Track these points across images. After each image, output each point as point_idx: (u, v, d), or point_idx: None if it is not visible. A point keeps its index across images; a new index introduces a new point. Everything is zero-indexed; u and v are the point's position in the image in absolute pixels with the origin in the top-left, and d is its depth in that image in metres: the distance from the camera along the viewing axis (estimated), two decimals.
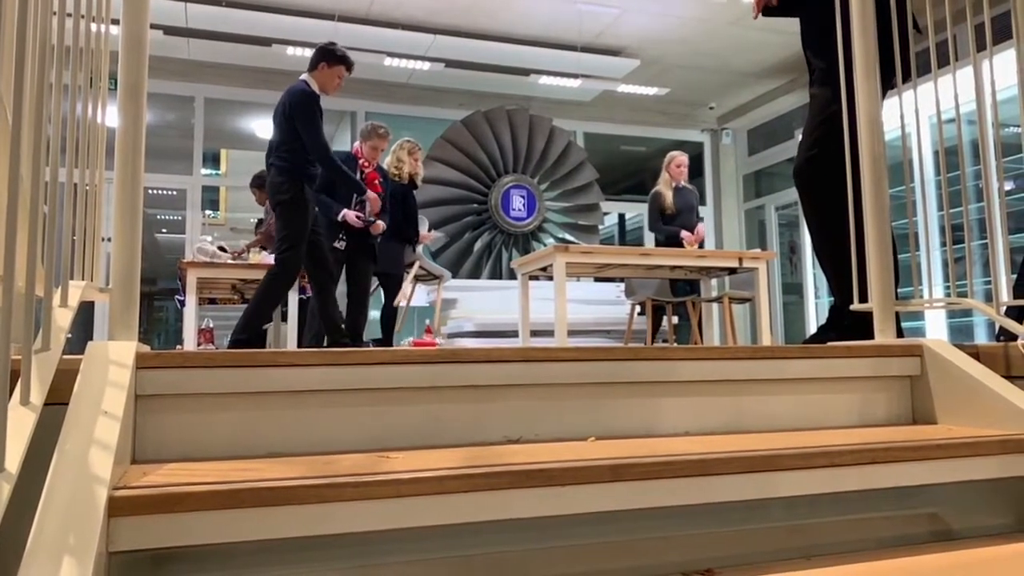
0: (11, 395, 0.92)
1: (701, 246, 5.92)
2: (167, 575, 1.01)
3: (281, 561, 1.05)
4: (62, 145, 1.29)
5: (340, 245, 4.79)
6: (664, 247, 5.76)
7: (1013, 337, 1.73)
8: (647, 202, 6.04)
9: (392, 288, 5.38)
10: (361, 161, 4.94)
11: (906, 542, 1.31)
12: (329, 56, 4.28)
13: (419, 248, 5.58)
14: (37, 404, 0.95)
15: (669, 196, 5.90)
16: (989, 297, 1.83)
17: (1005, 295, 1.80)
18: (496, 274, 8.01)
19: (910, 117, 1.99)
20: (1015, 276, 2.90)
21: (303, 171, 4.13)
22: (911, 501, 1.37)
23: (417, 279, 5.89)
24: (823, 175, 2.20)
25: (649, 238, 10.13)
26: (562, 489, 1.07)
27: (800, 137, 2.41)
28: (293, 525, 0.96)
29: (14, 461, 0.81)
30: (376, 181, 4.94)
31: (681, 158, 6.06)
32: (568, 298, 4.70)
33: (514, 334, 5.78)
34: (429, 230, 6.00)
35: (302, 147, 4.13)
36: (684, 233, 5.77)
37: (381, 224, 4.89)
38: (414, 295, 5.87)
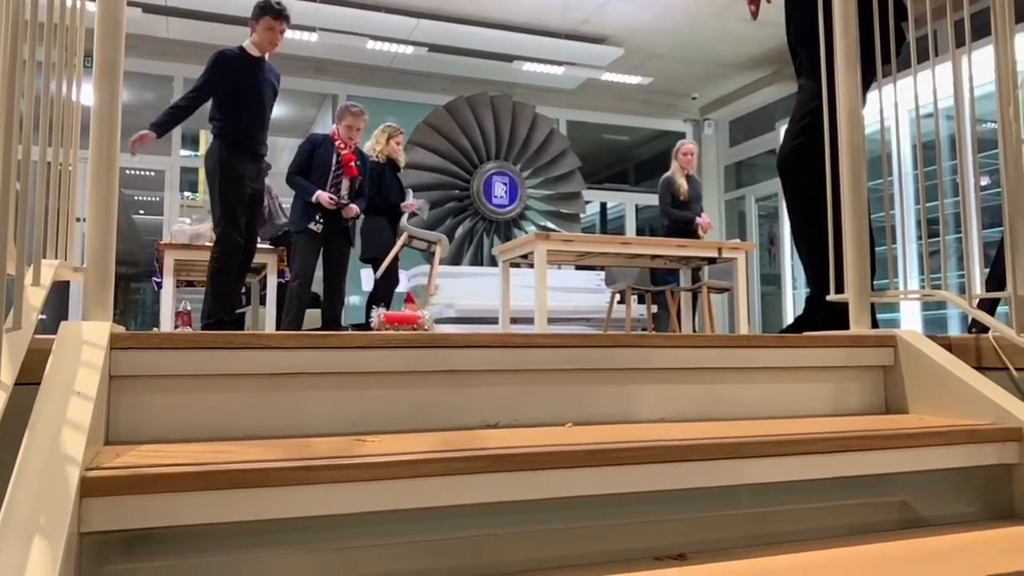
0: None
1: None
2: (140, 557, 1.00)
3: (256, 544, 1.05)
4: (35, 123, 1.27)
5: (316, 228, 4.76)
6: (673, 232, 5.85)
7: (985, 329, 1.76)
8: (658, 187, 6.11)
9: (385, 271, 5.32)
10: (338, 143, 4.92)
11: (876, 529, 1.33)
12: (253, 13, 4.18)
13: (403, 220, 5.52)
14: (8, 383, 0.94)
15: (683, 183, 5.99)
16: (963, 290, 1.85)
17: (978, 288, 1.83)
18: (477, 261, 8.00)
19: (889, 111, 2.01)
20: (988, 270, 2.95)
21: (230, 139, 4.06)
22: (881, 489, 1.39)
23: (430, 254, 5.76)
24: (808, 165, 2.21)
25: (630, 227, 10.20)
26: (537, 474, 1.08)
27: (784, 128, 2.42)
28: (268, 507, 0.96)
29: None
30: (352, 163, 4.92)
31: (689, 146, 6.16)
32: (549, 286, 4.71)
33: (495, 321, 5.78)
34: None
35: (228, 115, 4.08)
36: (699, 219, 5.97)
37: (354, 207, 4.87)
38: (434, 279, 5.74)
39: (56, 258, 1.46)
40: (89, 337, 1.17)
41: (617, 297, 5.93)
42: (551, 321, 5.26)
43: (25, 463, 0.87)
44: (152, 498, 0.91)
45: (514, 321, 5.25)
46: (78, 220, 1.70)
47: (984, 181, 5.55)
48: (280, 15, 4.14)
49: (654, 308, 6.27)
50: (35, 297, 1.20)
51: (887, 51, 2.01)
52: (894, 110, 1.98)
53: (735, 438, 1.22)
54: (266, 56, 4.23)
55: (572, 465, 1.10)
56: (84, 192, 1.45)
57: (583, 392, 1.47)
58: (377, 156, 5.43)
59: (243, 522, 0.96)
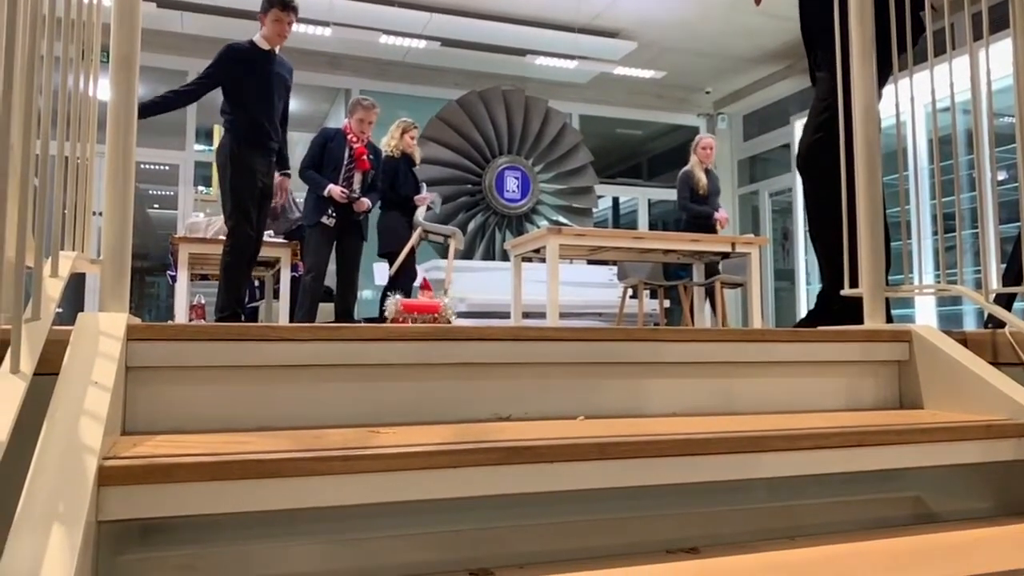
0: (0, 364, 0.92)
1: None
2: (156, 545, 1.01)
3: (269, 534, 1.06)
4: (53, 118, 1.28)
5: (329, 221, 4.78)
6: (692, 227, 5.85)
7: (1001, 324, 1.75)
8: (677, 181, 6.09)
9: (403, 265, 5.32)
10: (350, 136, 4.93)
11: (889, 524, 1.33)
12: (262, 6, 4.17)
13: (418, 214, 5.53)
14: (27, 373, 0.95)
15: (702, 177, 5.97)
16: (979, 285, 1.84)
17: (994, 283, 1.81)
18: (489, 255, 8.00)
19: (905, 105, 1.99)
20: (1004, 265, 2.92)
21: (240, 133, 4.07)
22: (895, 484, 1.39)
23: (445, 247, 5.75)
24: (827, 159, 2.20)
25: (643, 222, 10.17)
26: (549, 466, 1.08)
27: (798, 123, 2.41)
28: (281, 498, 0.96)
29: (3, 429, 0.82)
30: (365, 157, 4.93)
31: (708, 140, 6.14)
32: (561, 280, 4.70)
33: (506, 315, 5.78)
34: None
35: (238, 108, 4.09)
36: (717, 214, 5.96)
37: (366, 202, 4.88)
38: (450, 272, 5.74)
39: (73, 250, 1.47)
40: (106, 328, 1.18)
41: (629, 292, 5.91)
42: (563, 316, 5.26)
43: (44, 452, 0.88)
44: (168, 488, 0.92)
45: (526, 316, 5.25)
46: (95, 214, 1.72)
47: (1001, 176, 5.50)
48: (287, 6, 4.12)
49: (667, 303, 6.25)
50: (53, 288, 1.21)
51: (904, 43, 1.99)
52: (910, 104, 1.96)
53: (748, 432, 1.22)
54: (277, 50, 4.23)
55: (584, 458, 1.10)
56: (101, 186, 1.46)
57: (595, 386, 1.47)
58: (391, 151, 5.44)
59: (257, 512, 0.97)
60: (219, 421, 1.25)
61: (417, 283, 5.72)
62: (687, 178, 6.01)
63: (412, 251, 5.36)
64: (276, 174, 4.56)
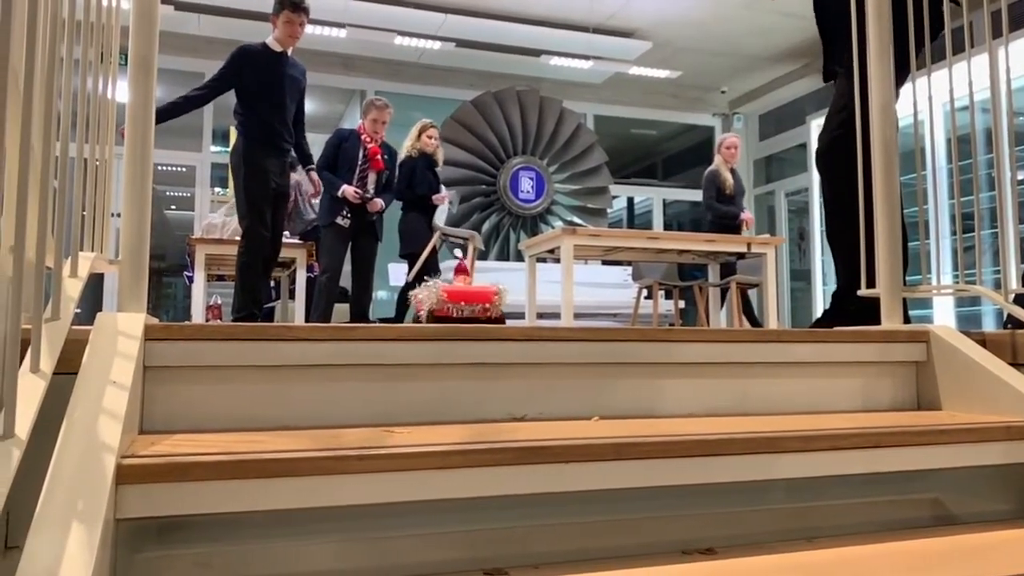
0: (21, 363, 0.93)
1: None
2: (173, 543, 1.02)
3: (286, 533, 1.06)
4: (72, 120, 1.29)
5: (344, 222, 4.80)
6: (717, 227, 5.83)
7: (1021, 325, 1.73)
8: (703, 180, 6.05)
9: (426, 266, 5.32)
10: (364, 137, 4.95)
11: (908, 526, 1.31)
12: (273, 8, 4.18)
13: (437, 216, 5.55)
14: (47, 372, 0.96)
15: (729, 177, 5.94)
16: (998, 285, 1.82)
17: (1014, 283, 1.79)
18: (504, 256, 8.01)
19: (923, 104, 1.97)
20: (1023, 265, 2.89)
21: (252, 134, 4.10)
22: (914, 486, 1.37)
23: (464, 250, 5.77)
24: (846, 157, 2.18)
25: (658, 222, 10.14)
26: (565, 467, 1.08)
27: (814, 122, 2.39)
28: (298, 497, 0.97)
29: (24, 427, 0.82)
30: (379, 157, 4.95)
31: (732, 139, 6.09)
32: (575, 281, 4.70)
33: (521, 316, 5.79)
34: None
35: (250, 110, 4.12)
36: (744, 215, 5.95)
37: (379, 202, 4.90)
38: (473, 275, 5.73)
39: (92, 251, 1.49)
40: (124, 328, 1.19)
41: (644, 292, 5.90)
42: (577, 316, 5.25)
43: (63, 450, 0.89)
44: (185, 486, 0.93)
45: (540, 316, 5.25)
46: (113, 216, 1.74)
47: (1021, 175, 5.44)
48: (298, 7, 4.13)
49: (681, 304, 6.23)
50: (73, 288, 1.22)
51: (923, 40, 1.97)
52: (928, 103, 1.95)
53: (764, 433, 1.21)
54: (290, 51, 4.25)
55: (600, 458, 1.10)
56: (119, 187, 1.48)
57: (610, 386, 1.47)
58: (409, 151, 5.46)
59: (274, 511, 0.97)
60: (236, 420, 1.26)
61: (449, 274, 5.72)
62: (713, 178, 5.96)
63: (434, 250, 5.37)
64: (302, 170, 4.62)
